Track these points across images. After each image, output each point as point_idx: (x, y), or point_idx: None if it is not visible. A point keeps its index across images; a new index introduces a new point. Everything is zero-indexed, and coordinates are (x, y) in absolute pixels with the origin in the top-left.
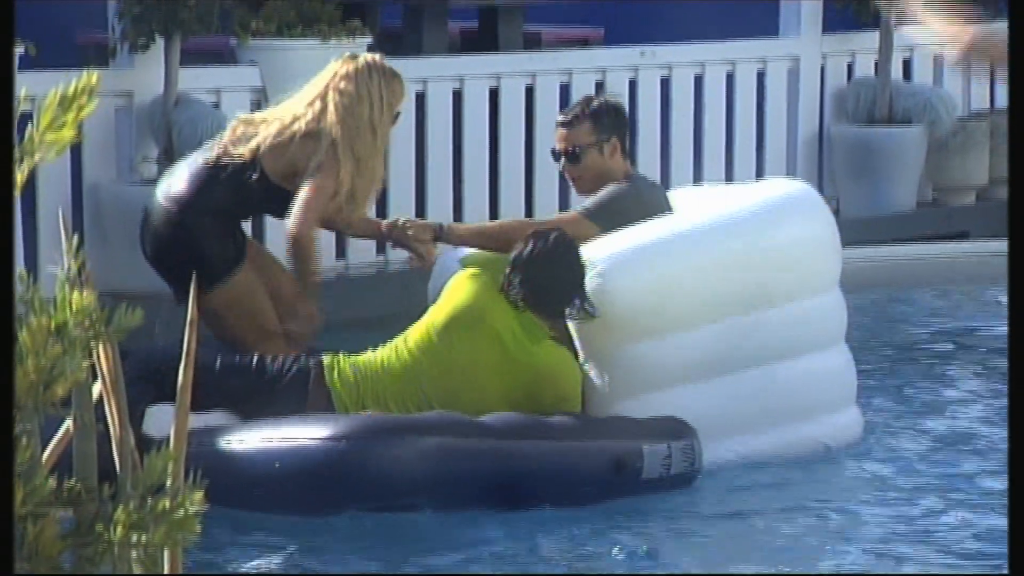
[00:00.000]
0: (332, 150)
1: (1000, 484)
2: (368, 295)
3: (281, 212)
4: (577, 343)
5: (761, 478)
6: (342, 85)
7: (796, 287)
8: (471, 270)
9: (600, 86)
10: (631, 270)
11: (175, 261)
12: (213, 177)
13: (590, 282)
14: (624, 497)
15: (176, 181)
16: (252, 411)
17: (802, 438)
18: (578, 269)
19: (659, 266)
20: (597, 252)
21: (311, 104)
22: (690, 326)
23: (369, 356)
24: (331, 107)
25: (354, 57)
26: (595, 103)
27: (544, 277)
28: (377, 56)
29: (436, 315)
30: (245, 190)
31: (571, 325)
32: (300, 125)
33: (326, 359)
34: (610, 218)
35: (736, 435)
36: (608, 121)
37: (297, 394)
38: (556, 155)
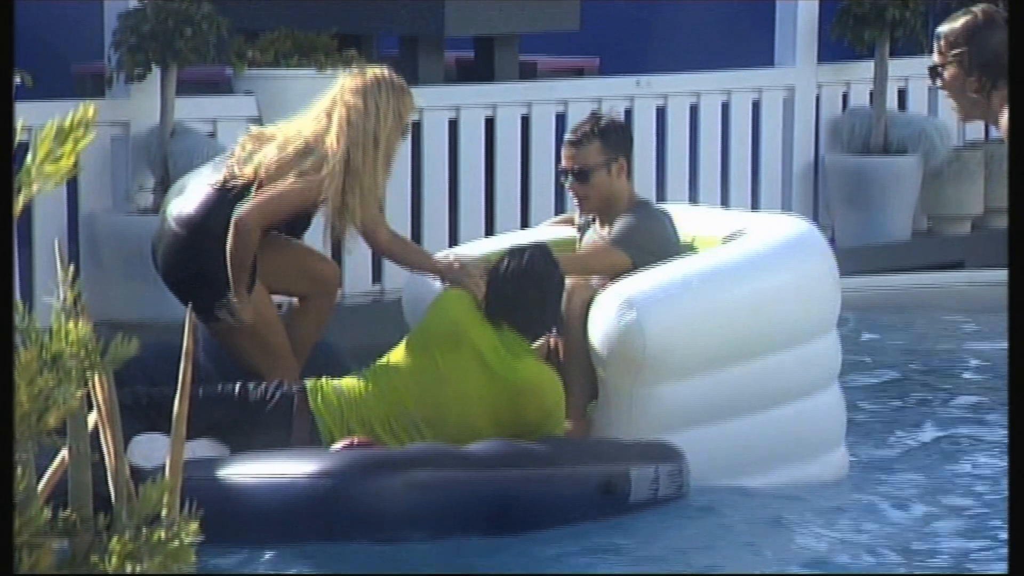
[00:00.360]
0: (323, 159)
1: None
2: (366, 324)
3: (291, 231)
4: (599, 381)
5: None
6: (349, 98)
7: (807, 328)
8: (453, 290)
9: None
10: (664, 309)
11: (187, 284)
12: (221, 199)
13: (621, 320)
14: (612, 520)
15: (186, 204)
16: (237, 439)
17: (800, 477)
18: (554, 287)
19: (690, 307)
20: (628, 290)
21: (316, 119)
22: (714, 368)
23: (353, 380)
24: (335, 120)
25: (362, 71)
26: (604, 121)
27: (519, 294)
28: (386, 70)
29: (419, 335)
30: None
31: (595, 363)
32: (302, 141)
33: (309, 384)
34: (639, 249)
35: (741, 477)
36: (616, 140)
37: (281, 421)
38: (563, 173)
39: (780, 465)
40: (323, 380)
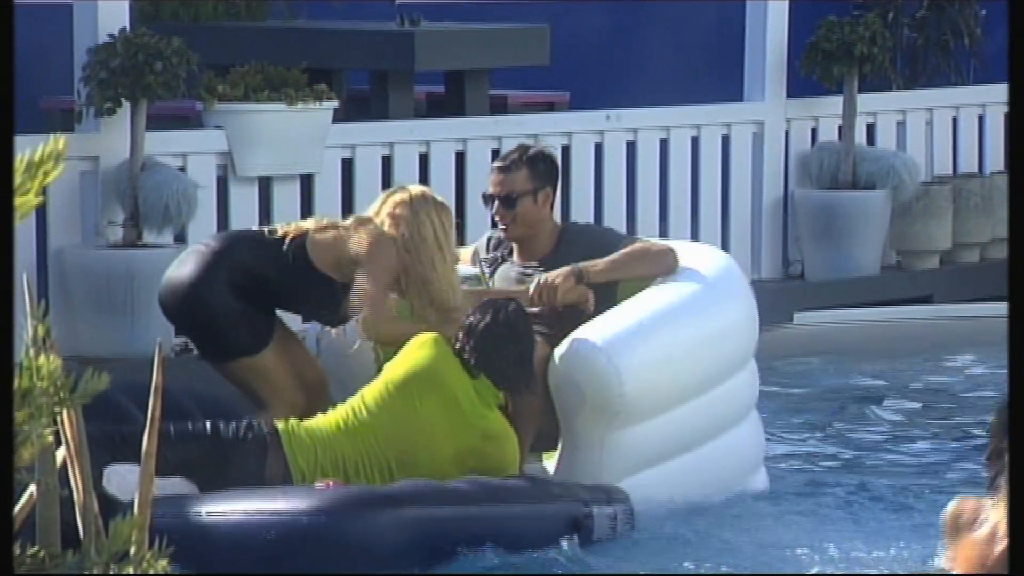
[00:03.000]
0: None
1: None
2: None
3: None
4: (567, 428)
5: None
6: (396, 210)
7: (736, 361)
8: (430, 334)
9: (566, 150)
10: (634, 353)
11: (202, 338)
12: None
13: (591, 362)
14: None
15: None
16: (208, 477)
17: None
18: (531, 346)
19: (653, 349)
20: (595, 336)
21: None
22: (670, 408)
23: (324, 419)
24: (386, 221)
25: (403, 188)
26: (532, 151)
27: (500, 349)
28: (425, 188)
29: (394, 374)
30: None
31: (564, 410)
32: (356, 221)
33: (280, 425)
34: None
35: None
36: (544, 170)
37: (253, 460)
38: (488, 199)
39: (713, 495)
40: (294, 421)
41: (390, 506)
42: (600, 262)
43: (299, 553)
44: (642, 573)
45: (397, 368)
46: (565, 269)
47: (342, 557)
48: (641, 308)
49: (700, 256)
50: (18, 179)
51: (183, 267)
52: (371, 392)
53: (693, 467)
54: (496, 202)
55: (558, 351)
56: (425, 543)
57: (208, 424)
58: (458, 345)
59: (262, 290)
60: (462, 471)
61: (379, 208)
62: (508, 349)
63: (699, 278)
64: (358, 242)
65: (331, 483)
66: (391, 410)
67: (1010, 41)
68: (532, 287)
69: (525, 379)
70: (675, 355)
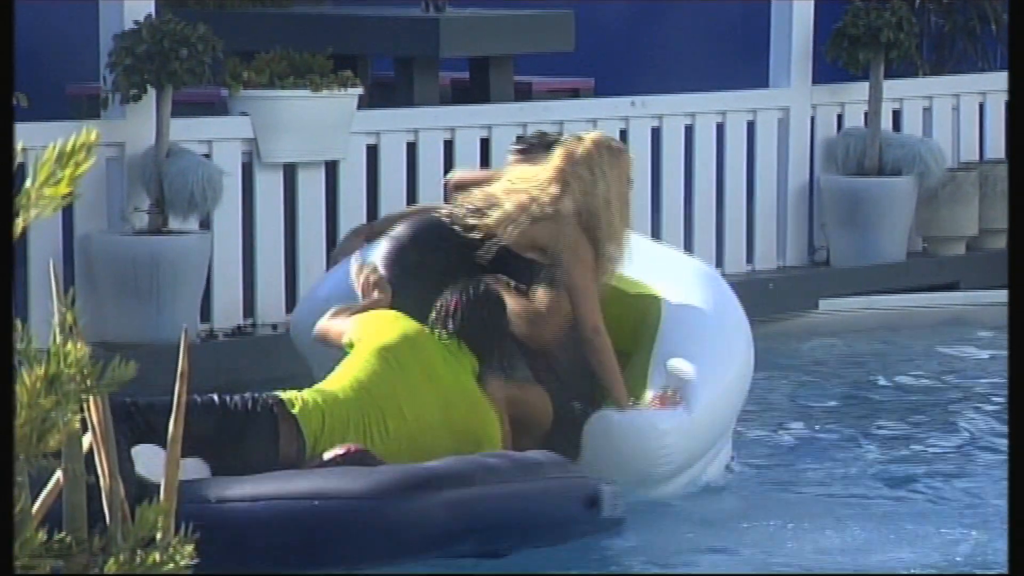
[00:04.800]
0: (576, 238)
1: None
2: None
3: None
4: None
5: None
6: (576, 169)
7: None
8: (390, 311)
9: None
10: (677, 416)
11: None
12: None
13: (645, 441)
14: (585, 536)
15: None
16: (222, 453)
17: None
18: (503, 318)
19: (697, 429)
20: (660, 412)
21: (545, 187)
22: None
23: (320, 386)
24: (569, 190)
25: (579, 138)
26: (550, 138)
27: (470, 318)
28: (600, 134)
29: (379, 339)
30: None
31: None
32: (537, 208)
33: (283, 395)
34: None
35: None
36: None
37: (268, 429)
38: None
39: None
40: (293, 391)
41: (435, 487)
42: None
43: (348, 537)
44: (645, 573)
45: (378, 336)
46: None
47: (389, 539)
48: (707, 388)
49: (697, 288)
50: (48, 169)
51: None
52: (356, 362)
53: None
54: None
55: (602, 416)
56: (468, 522)
57: (216, 397)
58: (433, 315)
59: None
60: (455, 441)
61: (559, 162)
62: (481, 316)
63: (714, 324)
64: (552, 236)
65: (352, 447)
66: (378, 377)
67: (1010, 40)
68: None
69: (500, 352)
70: (711, 415)
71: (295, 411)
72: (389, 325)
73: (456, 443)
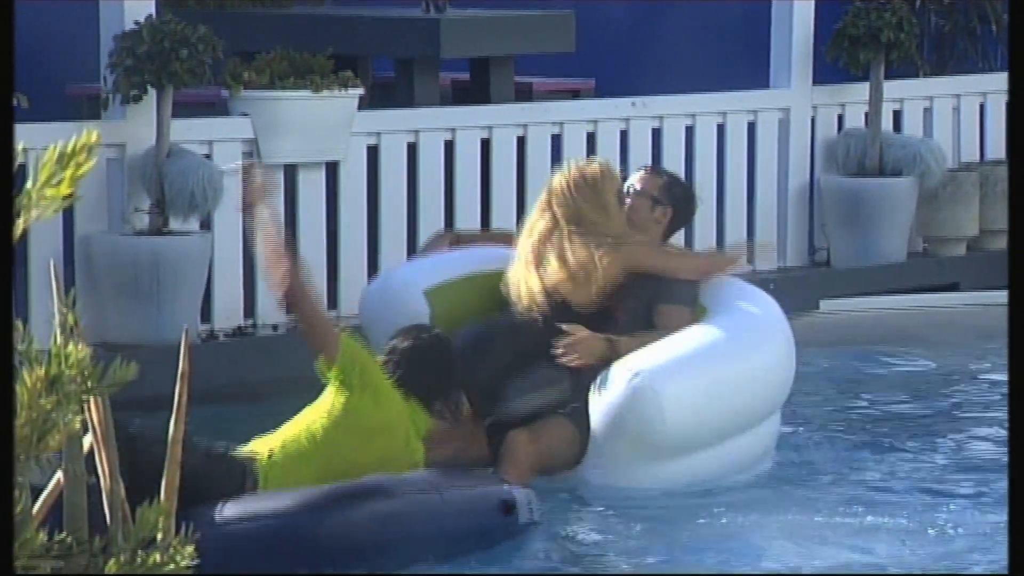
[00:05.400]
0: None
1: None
2: None
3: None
4: (591, 448)
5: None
6: (559, 203)
7: (773, 405)
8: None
9: (592, 137)
10: (678, 388)
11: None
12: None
13: (638, 396)
14: (501, 543)
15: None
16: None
17: None
18: (450, 370)
19: (700, 385)
20: (641, 365)
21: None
22: (701, 448)
23: (288, 445)
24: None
25: (560, 176)
26: (679, 180)
27: (416, 374)
28: (578, 165)
29: (349, 413)
30: None
31: (604, 438)
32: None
33: (260, 464)
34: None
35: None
36: (679, 195)
37: (234, 486)
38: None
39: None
40: (266, 450)
41: (356, 500)
42: (633, 341)
43: (277, 554)
44: (643, 574)
45: (355, 407)
46: (601, 340)
47: (315, 553)
48: (688, 343)
49: (747, 297)
50: (49, 170)
51: None
52: (327, 424)
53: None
54: (631, 189)
55: (604, 378)
56: (391, 534)
57: (190, 444)
58: (385, 365)
59: None
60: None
61: (547, 197)
62: (431, 374)
63: (745, 317)
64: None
65: None
66: (341, 445)
67: (1010, 41)
68: (565, 341)
69: (451, 406)
70: (718, 394)
71: (260, 474)
72: (370, 401)
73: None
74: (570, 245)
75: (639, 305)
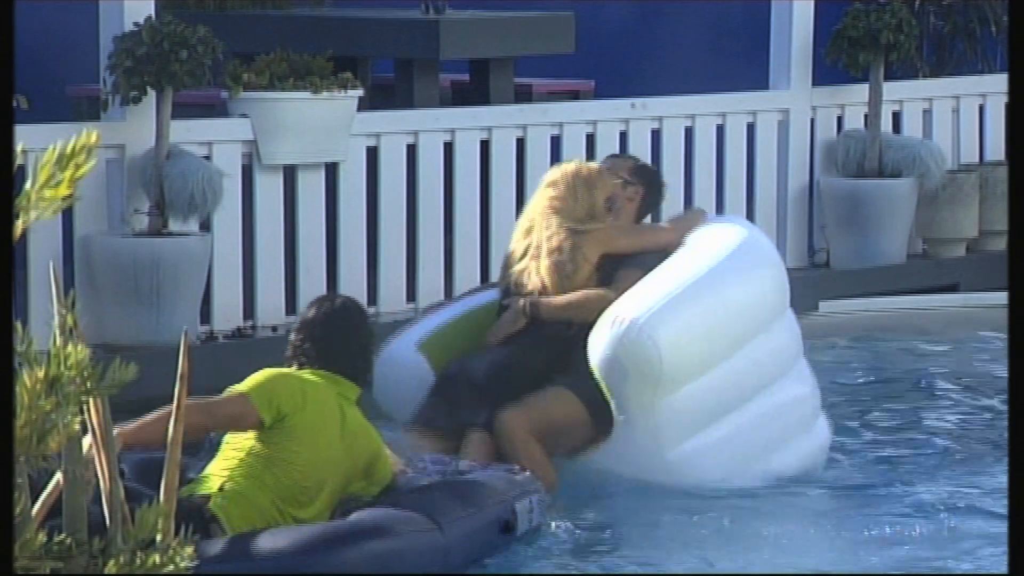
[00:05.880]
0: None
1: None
2: None
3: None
4: (613, 403)
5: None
6: (554, 202)
7: (770, 314)
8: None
9: (591, 139)
10: (666, 323)
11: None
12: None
13: (629, 337)
14: (495, 555)
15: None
16: None
17: (802, 453)
18: (365, 335)
19: (685, 316)
20: (627, 308)
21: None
22: (711, 367)
23: (237, 473)
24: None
25: (558, 169)
26: (647, 164)
27: (331, 340)
28: (574, 163)
29: (291, 412)
30: None
31: (603, 384)
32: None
33: (215, 501)
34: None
35: (750, 465)
36: (647, 176)
37: (194, 527)
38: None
39: (774, 452)
40: (213, 484)
41: (357, 541)
42: (556, 301)
43: None
44: (641, 573)
45: (289, 412)
46: (519, 303)
47: None
48: (670, 277)
49: (724, 228)
50: (49, 171)
51: None
52: (263, 440)
53: (748, 425)
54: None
55: (596, 329)
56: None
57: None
58: (289, 347)
59: None
60: (351, 470)
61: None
62: (347, 339)
63: (723, 244)
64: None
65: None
66: (285, 453)
67: (1010, 42)
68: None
69: (367, 369)
70: (708, 318)
71: (219, 513)
72: (293, 397)
73: (351, 471)
74: (556, 237)
75: (605, 279)
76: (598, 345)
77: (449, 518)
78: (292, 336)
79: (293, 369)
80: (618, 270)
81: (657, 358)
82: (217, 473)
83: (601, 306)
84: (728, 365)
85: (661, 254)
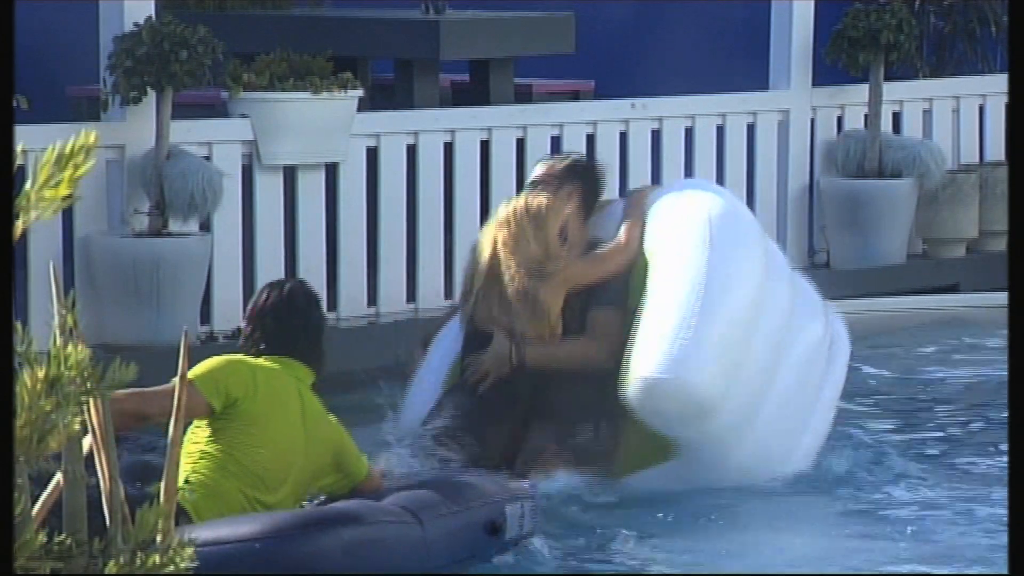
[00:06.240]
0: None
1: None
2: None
3: None
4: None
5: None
6: (508, 243)
7: (770, 287)
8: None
9: (591, 139)
10: (691, 364)
11: None
12: None
13: (662, 394)
14: (483, 560)
15: None
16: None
17: (837, 379)
18: (316, 319)
19: (705, 347)
20: (649, 364)
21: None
22: (739, 373)
23: (201, 466)
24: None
25: (507, 206)
26: (579, 158)
27: (281, 327)
28: (523, 200)
29: (247, 401)
30: None
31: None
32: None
33: (182, 494)
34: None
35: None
36: (580, 171)
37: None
38: (533, 183)
39: (819, 393)
40: (191, 482)
41: (332, 527)
42: (541, 356)
43: None
44: (647, 573)
45: (244, 401)
46: (505, 346)
47: None
48: (671, 316)
49: (687, 212)
50: (48, 171)
51: None
52: (221, 430)
53: (788, 391)
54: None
55: (630, 395)
56: (358, 567)
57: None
58: (246, 332)
59: None
60: (318, 457)
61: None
62: (298, 325)
63: (697, 242)
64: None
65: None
66: (242, 440)
67: (1010, 42)
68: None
69: (323, 354)
70: (724, 334)
71: (186, 506)
72: (244, 382)
73: (318, 459)
74: (518, 280)
75: (574, 315)
76: (640, 410)
77: (430, 514)
78: (243, 325)
79: (243, 357)
80: (589, 310)
81: (697, 402)
82: (181, 467)
83: (588, 363)
84: (751, 354)
85: (623, 283)
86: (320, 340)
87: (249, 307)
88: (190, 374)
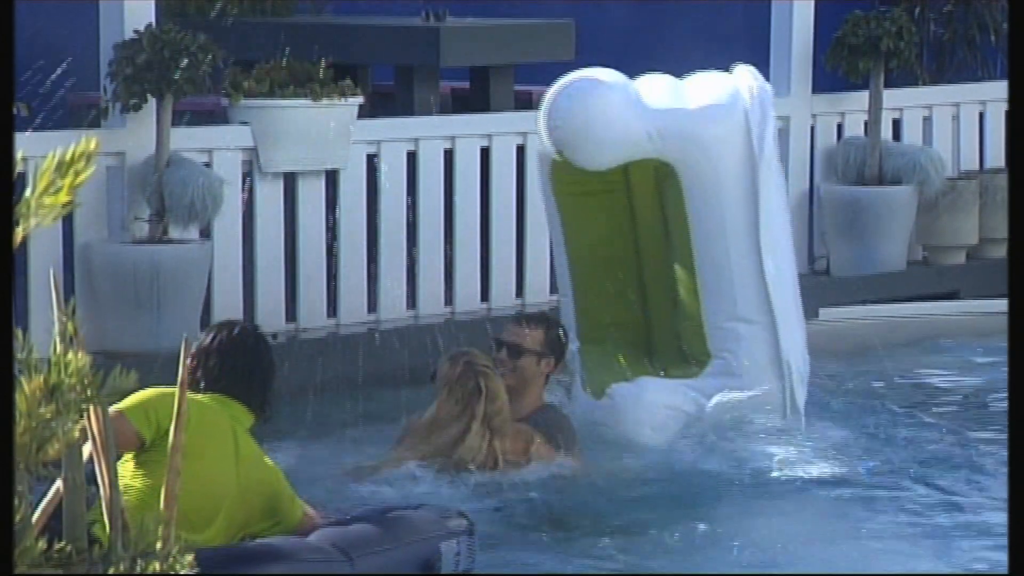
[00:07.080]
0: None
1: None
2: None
3: None
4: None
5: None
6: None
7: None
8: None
9: None
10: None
11: None
12: None
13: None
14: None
15: None
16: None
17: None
18: (264, 364)
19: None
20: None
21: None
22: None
23: (127, 500)
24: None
25: (449, 359)
26: (552, 321)
27: (224, 368)
28: (457, 361)
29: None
30: None
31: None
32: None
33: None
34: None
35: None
36: (557, 345)
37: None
38: (499, 344)
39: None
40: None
41: (257, 564)
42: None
43: None
44: (650, 573)
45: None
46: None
47: None
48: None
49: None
50: (48, 178)
51: None
52: (147, 463)
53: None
54: (505, 348)
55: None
56: None
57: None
58: (189, 369)
59: None
60: (252, 498)
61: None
62: (241, 368)
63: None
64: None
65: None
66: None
67: (1010, 49)
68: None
69: (268, 400)
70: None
71: (105, 542)
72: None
73: (250, 502)
74: (484, 444)
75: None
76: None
77: (361, 551)
78: (187, 361)
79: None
80: (536, 436)
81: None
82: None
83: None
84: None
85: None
86: (266, 385)
87: (196, 344)
88: (120, 405)
